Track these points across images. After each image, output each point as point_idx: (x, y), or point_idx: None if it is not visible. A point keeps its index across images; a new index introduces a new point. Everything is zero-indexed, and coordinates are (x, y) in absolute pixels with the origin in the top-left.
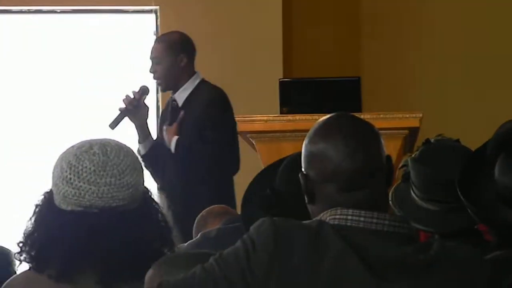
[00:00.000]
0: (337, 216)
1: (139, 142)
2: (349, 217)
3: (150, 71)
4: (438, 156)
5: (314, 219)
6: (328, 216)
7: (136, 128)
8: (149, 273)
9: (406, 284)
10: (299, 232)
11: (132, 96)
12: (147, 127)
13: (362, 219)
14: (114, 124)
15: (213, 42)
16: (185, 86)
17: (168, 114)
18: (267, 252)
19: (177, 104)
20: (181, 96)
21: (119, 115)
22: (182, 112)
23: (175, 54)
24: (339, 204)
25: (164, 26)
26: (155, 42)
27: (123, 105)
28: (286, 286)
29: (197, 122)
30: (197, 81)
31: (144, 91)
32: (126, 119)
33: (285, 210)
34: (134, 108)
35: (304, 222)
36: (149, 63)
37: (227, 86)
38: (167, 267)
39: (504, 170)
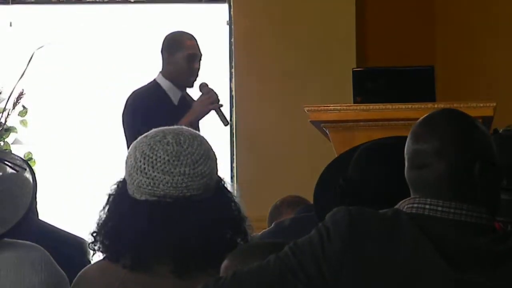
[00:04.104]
0: (415, 205)
1: None
2: (427, 206)
3: (198, 67)
4: (506, 145)
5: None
6: (406, 204)
7: (196, 119)
8: (225, 263)
9: (483, 275)
10: (374, 221)
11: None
12: None
13: (439, 208)
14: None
15: (286, 32)
16: None
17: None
18: (341, 240)
19: None
20: None
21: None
22: None
23: None
24: (410, 180)
25: (238, 15)
26: (195, 39)
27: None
28: (360, 275)
29: None
30: None
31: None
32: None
33: (358, 200)
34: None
35: (380, 211)
36: (219, 53)
37: (301, 76)
38: (243, 257)
39: None
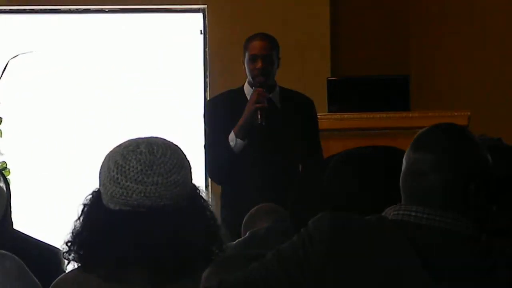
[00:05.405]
0: (401, 212)
1: (241, 138)
2: (413, 213)
3: (261, 66)
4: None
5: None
6: (392, 211)
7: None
8: (206, 272)
9: (464, 285)
10: (358, 227)
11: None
12: None
13: (425, 215)
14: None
15: None
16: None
17: None
18: (324, 245)
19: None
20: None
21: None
22: None
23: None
24: (403, 187)
25: (212, 25)
26: (261, 39)
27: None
28: (342, 279)
29: None
30: None
31: None
32: None
33: (333, 210)
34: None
35: (364, 217)
36: (193, 62)
37: None
38: (225, 266)
39: None
